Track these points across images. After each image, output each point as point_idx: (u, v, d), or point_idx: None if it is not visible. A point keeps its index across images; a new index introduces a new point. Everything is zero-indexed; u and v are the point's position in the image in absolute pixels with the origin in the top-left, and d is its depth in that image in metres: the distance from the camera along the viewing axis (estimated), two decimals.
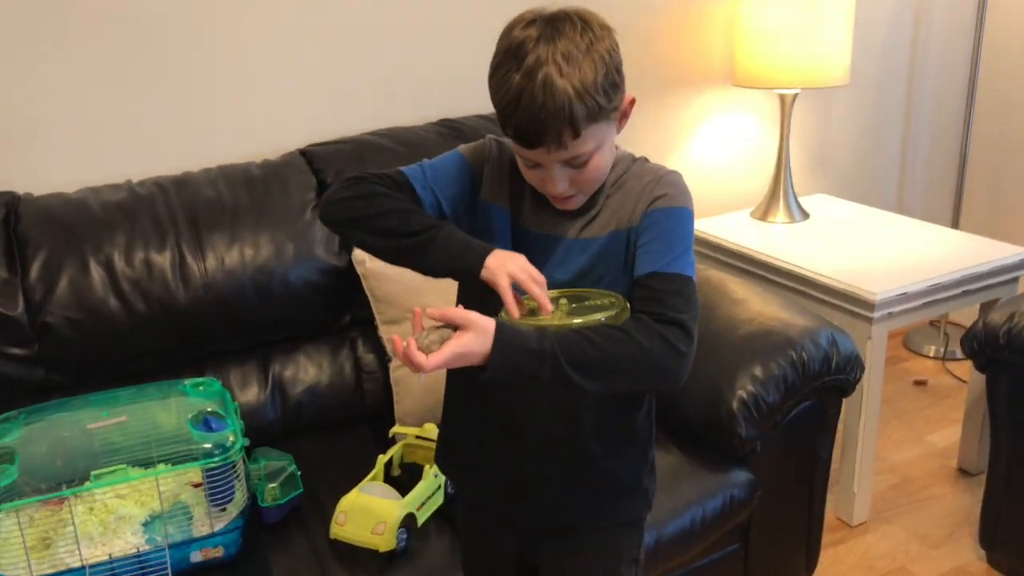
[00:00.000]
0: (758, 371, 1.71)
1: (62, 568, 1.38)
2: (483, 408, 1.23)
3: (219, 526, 1.46)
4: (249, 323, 1.83)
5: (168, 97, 1.97)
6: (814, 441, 1.85)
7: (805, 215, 2.57)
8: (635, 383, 1.09)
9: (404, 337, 1.00)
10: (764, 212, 2.57)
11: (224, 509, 1.48)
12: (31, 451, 1.48)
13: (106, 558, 1.39)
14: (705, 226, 2.49)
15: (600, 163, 1.10)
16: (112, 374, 1.75)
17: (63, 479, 1.50)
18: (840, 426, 1.93)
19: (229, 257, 1.79)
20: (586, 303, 1.10)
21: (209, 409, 1.50)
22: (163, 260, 1.74)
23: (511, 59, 1.05)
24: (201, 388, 1.59)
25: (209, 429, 1.46)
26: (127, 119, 1.95)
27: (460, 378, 1.28)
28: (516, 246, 1.16)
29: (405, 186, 1.16)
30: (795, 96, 2.48)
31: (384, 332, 1.87)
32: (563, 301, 1.09)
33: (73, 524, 1.40)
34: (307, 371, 1.89)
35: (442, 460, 1.36)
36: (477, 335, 1.00)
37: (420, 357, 0.98)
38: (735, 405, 1.68)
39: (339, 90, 2.14)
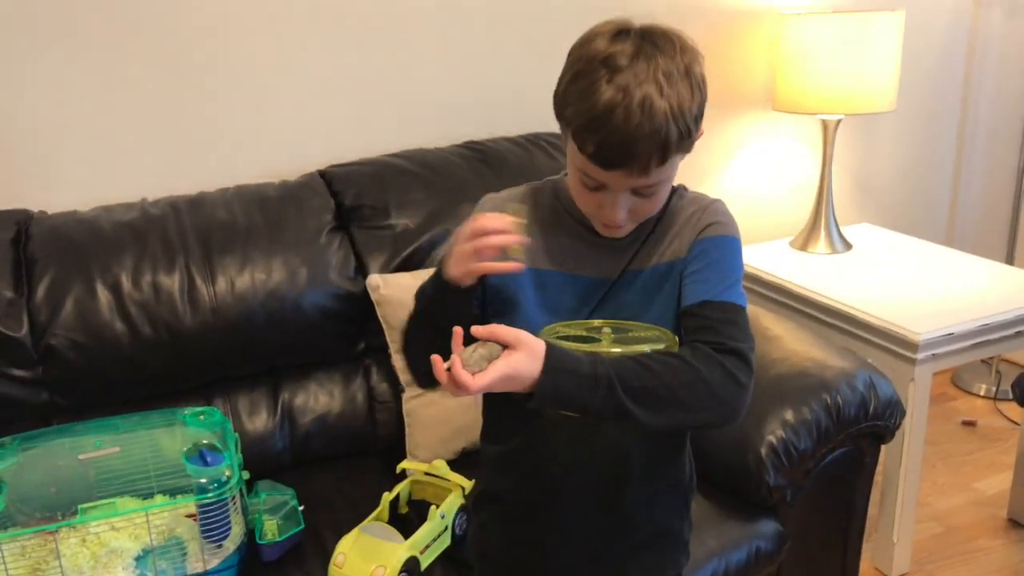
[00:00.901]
0: (789, 415, 1.61)
1: None
2: (518, 454, 1.14)
3: (214, 563, 1.40)
4: (259, 349, 1.78)
5: (188, 116, 1.94)
6: (850, 490, 1.74)
7: (848, 245, 2.45)
8: (693, 416, 0.99)
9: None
10: (804, 242, 2.46)
11: (220, 545, 1.42)
12: (25, 479, 1.44)
13: None
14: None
15: (664, 195, 1.04)
16: (117, 398, 1.70)
17: (57, 509, 1.46)
18: (879, 468, 1.82)
19: (240, 281, 1.74)
20: (630, 334, 1.02)
21: (205, 441, 1.44)
22: (171, 283, 1.69)
23: (600, 69, 0.95)
24: (202, 417, 1.53)
25: (204, 463, 1.40)
26: (145, 137, 1.92)
27: (494, 422, 1.20)
28: (556, 293, 1.09)
29: None
30: (838, 122, 2.37)
31: (397, 361, 1.80)
32: (607, 330, 1.02)
33: (59, 558, 1.35)
34: (318, 399, 1.83)
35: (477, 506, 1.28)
36: (527, 355, 0.91)
37: (466, 376, 0.89)
38: (763, 451, 1.58)
39: (363, 110, 2.09)
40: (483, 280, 1.06)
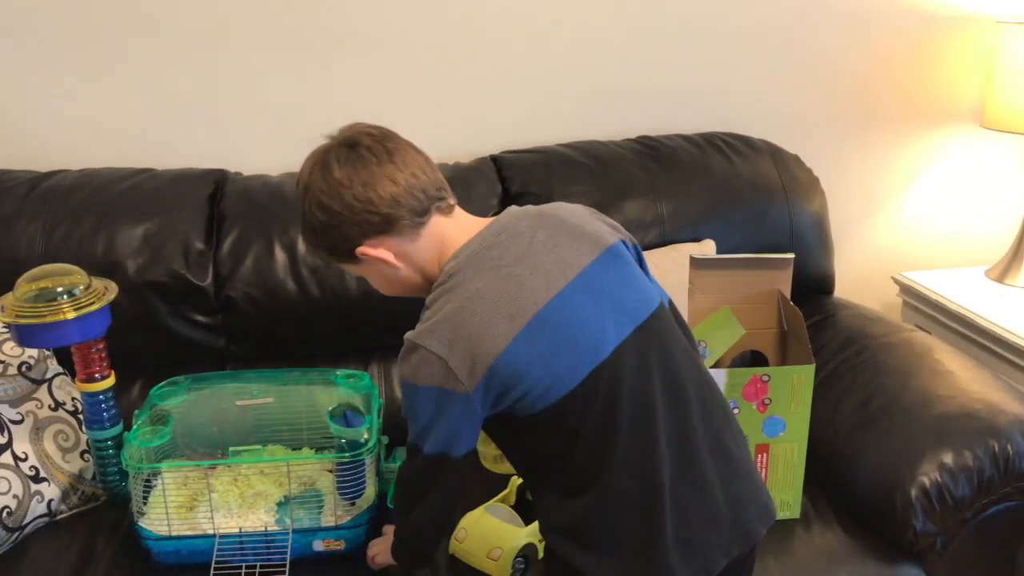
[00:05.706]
0: (948, 458, 1.49)
1: (198, 532, 1.45)
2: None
3: (345, 519, 1.48)
4: (415, 322, 1.84)
5: (375, 93, 2.04)
6: (1013, 548, 1.59)
7: None
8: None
9: None
10: (1002, 273, 2.25)
11: (353, 503, 1.50)
12: (192, 415, 1.58)
13: (236, 531, 1.45)
14: (927, 280, 2.22)
15: (375, 282, 1.30)
16: (285, 352, 1.83)
17: (218, 447, 1.59)
18: None
19: None
20: None
21: (351, 403, 1.52)
22: None
23: None
24: (352, 380, 1.61)
25: (346, 423, 1.48)
26: (333, 110, 2.02)
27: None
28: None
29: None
30: None
31: None
32: None
33: (209, 494, 1.47)
34: None
35: None
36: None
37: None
38: (914, 492, 1.47)
39: (543, 99, 2.11)
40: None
